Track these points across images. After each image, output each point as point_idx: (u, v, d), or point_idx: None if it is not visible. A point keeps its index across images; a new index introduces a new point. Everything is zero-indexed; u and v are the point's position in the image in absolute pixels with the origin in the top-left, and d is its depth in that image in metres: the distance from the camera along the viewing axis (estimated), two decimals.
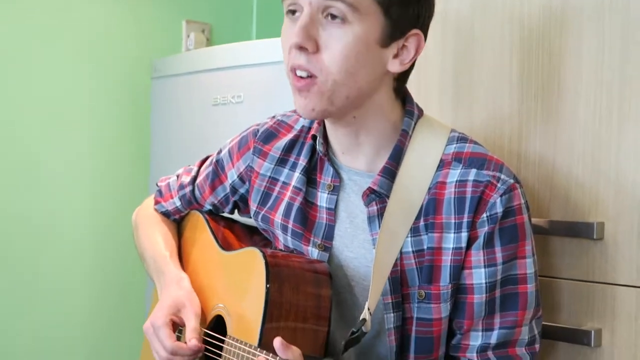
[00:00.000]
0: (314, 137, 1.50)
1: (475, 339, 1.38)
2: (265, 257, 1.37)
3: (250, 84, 2.39)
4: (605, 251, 1.52)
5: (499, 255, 1.36)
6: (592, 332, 1.51)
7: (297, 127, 1.57)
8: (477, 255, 1.36)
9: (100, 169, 2.82)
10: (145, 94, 2.86)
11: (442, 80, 1.79)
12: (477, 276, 1.36)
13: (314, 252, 1.46)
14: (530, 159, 1.63)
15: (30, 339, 2.67)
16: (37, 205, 2.66)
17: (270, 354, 1.25)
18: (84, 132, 2.78)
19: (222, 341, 1.42)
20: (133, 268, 2.81)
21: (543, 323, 1.49)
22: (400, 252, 1.39)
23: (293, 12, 1.35)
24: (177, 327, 1.52)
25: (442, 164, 1.41)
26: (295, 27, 1.33)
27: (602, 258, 1.52)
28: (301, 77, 1.34)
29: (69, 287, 2.75)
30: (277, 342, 1.24)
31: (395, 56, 1.38)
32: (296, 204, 1.50)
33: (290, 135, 1.56)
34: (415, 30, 1.38)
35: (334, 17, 1.31)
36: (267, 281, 1.34)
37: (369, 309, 1.34)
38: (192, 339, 1.44)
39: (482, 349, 1.38)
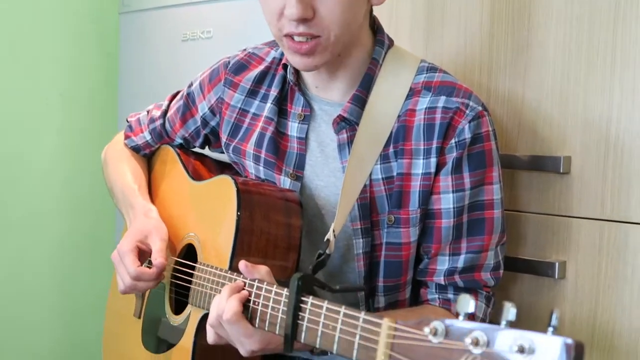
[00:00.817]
0: (285, 67, 1.50)
1: (443, 263, 1.41)
2: (236, 184, 1.38)
3: (220, 20, 2.36)
4: (571, 185, 1.54)
5: (467, 180, 1.38)
6: (557, 264, 1.54)
7: (268, 59, 1.57)
8: (445, 181, 1.38)
9: (68, 105, 2.78)
10: (113, 29, 2.82)
11: (414, 14, 1.79)
12: (445, 201, 1.39)
13: (286, 182, 1.47)
14: (500, 93, 1.65)
15: None
16: (3, 141, 2.63)
17: (241, 275, 1.26)
18: (50, 69, 2.73)
19: (193, 268, 1.43)
20: (102, 206, 2.80)
21: (509, 256, 1.52)
22: (370, 179, 1.40)
23: None
24: (145, 257, 1.53)
25: (412, 93, 1.42)
26: None
27: (568, 192, 1.55)
28: (302, 42, 1.33)
29: (37, 222, 2.73)
30: (242, 264, 1.25)
31: None
32: (268, 134, 1.50)
33: (261, 67, 1.56)
34: None
35: None
36: (239, 208, 1.34)
37: (334, 231, 1.36)
38: (157, 258, 1.45)
39: (449, 273, 1.40)
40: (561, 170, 1.53)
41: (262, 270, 1.25)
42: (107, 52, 2.84)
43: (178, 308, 1.51)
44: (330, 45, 1.34)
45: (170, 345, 1.47)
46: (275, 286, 1.19)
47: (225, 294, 1.23)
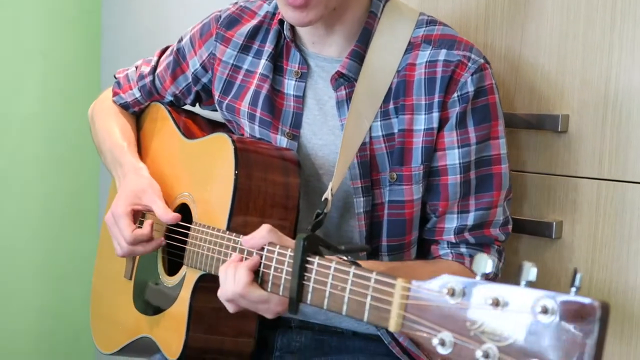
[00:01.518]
0: (281, 22, 1.46)
1: (451, 221, 1.39)
2: (234, 142, 1.34)
3: None
4: (569, 144, 1.52)
5: (472, 135, 1.36)
6: (554, 223, 1.53)
7: (261, 12, 1.53)
8: (450, 136, 1.35)
9: (49, 63, 2.70)
10: None
11: None
12: (451, 157, 1.36)
13: (282, 141, 1.44)
14: (497, 50, 1.62)
15: None
16: None
17: (240, 236, 1.24)
18: (29, 26, 2.65)
19: (187, 228, 1.40)
20: (85, 166, 2.76)
21: None
22: (370, 137, 1.37)
23: None
24: (139, 216, 1.50)
25: (412, 47, 1.39)
26: None
27: (565, 150, 1.53)
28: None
29: (18, 182, 2.67)
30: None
31: None
32: (263, 92, 1.46)
33: (254, 22, 1.52)
34: None
35: None
36: (236, 166, 1.31)
37: (331, 190, 1.33)
38: (168, 214, 1.42)
39: (459, 231, 1.38)
40: (559, 129, 1.51)
41: (263, 231, 1.21)
42: (88, 6, 2.76)
43: (171, 269, 1.48)
44: (325, 0, 1.31)
45: (165, 306, 1.44)
46: (278, 247, 1.16)
47: (232, 265, 1.20)
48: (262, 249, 1.19)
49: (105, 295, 1.71)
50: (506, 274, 1.39)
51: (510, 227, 1.43)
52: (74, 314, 2.77)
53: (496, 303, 0.80)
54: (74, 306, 2.76)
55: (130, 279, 1.59)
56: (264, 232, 1.20)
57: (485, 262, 0.84)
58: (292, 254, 1.12)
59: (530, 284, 0.81)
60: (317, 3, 1.30)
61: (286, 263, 1.13)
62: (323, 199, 1.33)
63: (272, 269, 1.15)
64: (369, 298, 0.95)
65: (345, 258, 1.09)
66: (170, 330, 1.41)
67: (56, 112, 2.72)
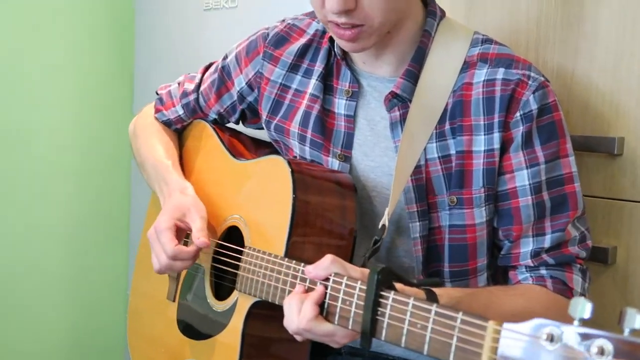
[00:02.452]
0: (332, 40, 1.42)
1: (527, 245, 1.34)
2: (290, 165, 1.31)
3: None
4: (624, 167, 1.49)
5: (540, 154, 1.31)
6: (609, 249, 1.49)
7: (310, 31, 1.49)
8: (516, 157, 1.31)
9: (81, 80, 2.64)
10: None
11: None
12: (520, 178, 1.32)
13: (334, 163, 1.41)
14: (548, 69, 1.58)
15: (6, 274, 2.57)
16: (15, 115, 2.52)
17: (301, 264, 1.21)
18: (63, 40, 2.60)
19: (240, 252, 1.37)
20: (116, 180, 2.73)
21: None
22: (425, 159, 1.34)
23: None
24: (183, 234, 1.46)
25: (467, 66, 1.36)
26: None
27: (621, 174, 1.49)
28: (347, 33, 1.28)
29: (51, 199, 2.63)
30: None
31: None
32: (314, 113, 1.43)
33: (303, 40, 1.49)
34: None
35: None
36: (294, 190, 1.28)
37: (388, 215, 1.30)
38: (200, 237, 1.38)
39: (536, 254, 1.33)
40: (614, 152, 1.47)
41: (327, 262, 1.16)
42: (123, 20, 2.70)
43: (219, 293, 1.44)
44: (375, 31, 1.29)
45: (213, 332, 1.40)
46: (345, 278, 1.12)
47: (296, 298, 1.16)
48: (327, 279, 1.15)
49: (145, 314, 1.67)
50: None
51: (589, 242, 1.37)
52: (105, 330, 2.74)
53: (601, 351, 0.76)
54: (105, 323, 2.73)
55: (174, 300, 1.55)
56: (327, 263, 1.16)
57: (583, 307, 0.81)
58: (362, 286, 1.08)
59: (634, 333, 0.77)
60: (367, 36, 1.29)
61: (356, 296, 1.09)
62: (380, 225, 1.30)
63: (340, 301, 1.11)
64: (455, 339, 0.92)
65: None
66: (220, 356, 1.37)
67: (88, 127, 2.67)
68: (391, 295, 1.03)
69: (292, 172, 1.30)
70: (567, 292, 1.32)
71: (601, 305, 1.50)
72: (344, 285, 1.12)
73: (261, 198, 1.38)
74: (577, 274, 1.34)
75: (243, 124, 1.64)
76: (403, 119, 1.36)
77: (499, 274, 1.41)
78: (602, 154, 1.51)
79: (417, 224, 1.35)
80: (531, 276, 1.34)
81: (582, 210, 1.36)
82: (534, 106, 1.30)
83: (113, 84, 2.71)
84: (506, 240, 1.36)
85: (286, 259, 1.24)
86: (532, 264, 1.34)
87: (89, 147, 2.68)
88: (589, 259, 1.51)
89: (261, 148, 1.59)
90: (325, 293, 1.14)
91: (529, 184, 1.32)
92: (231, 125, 1.65)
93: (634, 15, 1.46)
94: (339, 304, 1.12)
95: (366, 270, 1.12)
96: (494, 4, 1.65)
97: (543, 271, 1.34)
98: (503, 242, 1.37)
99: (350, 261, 1.30)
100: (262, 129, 1.57)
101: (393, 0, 1.27)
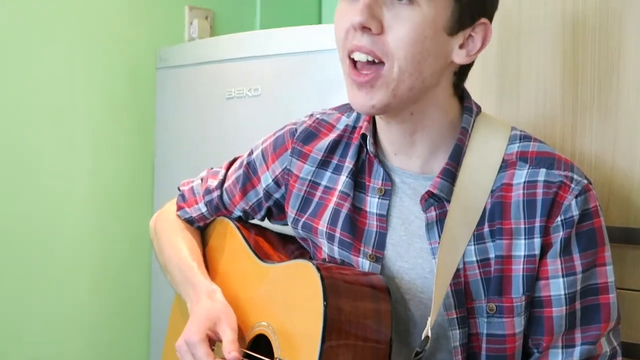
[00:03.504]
0: (364, 137, 1.37)
1: (555, 357, 1.26)
2: (319, 270, 1.24)
3: (267, 76, 2.21)
4: None
5: (577, 263, 1.25)
6: None
7: (340, 126, 1.45)
8: (553, 264, 1.25)
9: (102, 165, 2.59)
10: (149, 85, 2.67)
11: (485, 70, 1.66)
12: (555, 287, 1.25)
13: (364, 264, 1.34)
14: (586, 159, 1.53)
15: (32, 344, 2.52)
16: (37, 202, 2.47)
17: None
18: (85, 126, 2.57)
19: None
20: (136, 269, 2.68)
21: None
22: (464, 262, 1.27)
23: None
24: (212, 343, 1.40)
25: (506, 165, 1.30)
26: (354, 7, 1.21)
27: None
28: (363, 72, 1.23)
29: (72, 286, 2.57)
30: None
31: (461, 46, 1.27)
32: (344, 211, 1.37)
33: (332, 136, 1.44)
34: (483, 19, 1.28)
35: None
36: (325, 297, 1.21)
37: (430, 325, 1.23)
38: (231, 351, 1.32)
39: None
40: None
41: None
42: (143, 109, 2.67)
43: None
44: (392, 81, 1.22)
45: None
46: None
47: None
48: None
49: None
50: None
51: (619, 359, 1.30)
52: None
53: None
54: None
55: None
56: None
57: None
58: None
59: None
60: (383, 83, 1.23)
61: None
62: (423, 336, 1.23)
63: None
64: None
65: None
66: None
67: (107, 213, 2.63)
68: None
69: (322, 277, 1.23)
70: None
71: None
72: None
73: (290, 305, 1.31)
74: None
75: (269, 220, 1.58)
76: (439, 219, 1.29)
77: None
78: None
79: (457, 331, 1.27)
80: None
81: (616, 322, 1.28)
82: (575, 212, 1.24)
83: (134, 177, 2.67)
84: (535, 349, 1.29)
85: None
86: None
87: (107, 234, 2.64)
88: (635, 357, 1.43)
89: (288, 246, 1.54)
90: None
91: (565, 294, 1.25)
92: (257, 221, 1.60)
93: None
94: None
95: None
96: (527, 95, 1.60)
97: None
98: (532, 350, 1.29)
99: None
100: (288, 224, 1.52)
101: (419, 47, 1.21)
